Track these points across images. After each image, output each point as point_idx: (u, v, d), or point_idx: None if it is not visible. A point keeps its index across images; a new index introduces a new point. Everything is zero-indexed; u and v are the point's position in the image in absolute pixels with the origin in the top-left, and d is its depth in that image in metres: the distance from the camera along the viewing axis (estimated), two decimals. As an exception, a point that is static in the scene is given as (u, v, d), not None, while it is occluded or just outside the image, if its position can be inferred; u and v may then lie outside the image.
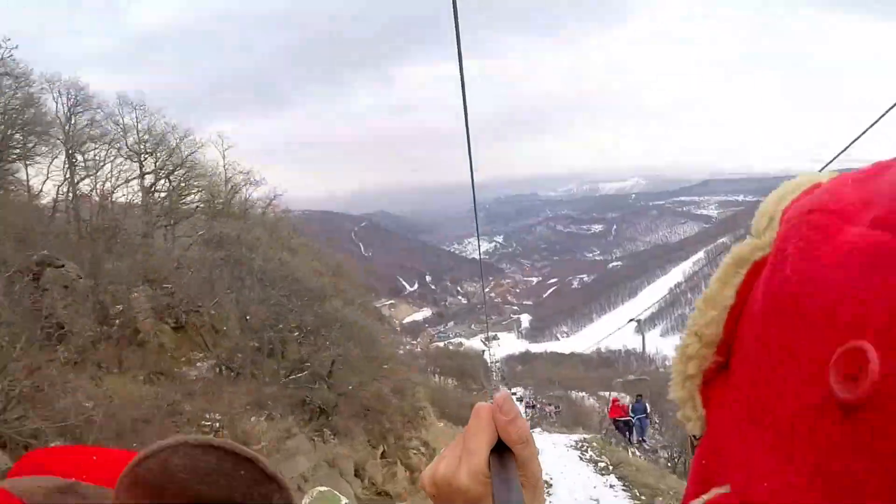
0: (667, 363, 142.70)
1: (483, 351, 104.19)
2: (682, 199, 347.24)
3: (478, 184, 6.98)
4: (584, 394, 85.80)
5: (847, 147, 5.87)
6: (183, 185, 21.92)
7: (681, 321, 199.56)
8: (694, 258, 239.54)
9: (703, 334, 0.47)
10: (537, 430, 37.00)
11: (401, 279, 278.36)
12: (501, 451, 0.65)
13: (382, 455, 15.30)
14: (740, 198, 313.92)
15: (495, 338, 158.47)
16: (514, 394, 58.32)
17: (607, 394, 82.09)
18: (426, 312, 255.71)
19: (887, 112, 5.07)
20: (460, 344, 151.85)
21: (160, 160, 21.00)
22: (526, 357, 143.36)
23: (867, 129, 5.56)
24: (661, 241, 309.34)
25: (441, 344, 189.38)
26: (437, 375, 77.44)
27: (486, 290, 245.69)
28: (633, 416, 20.87)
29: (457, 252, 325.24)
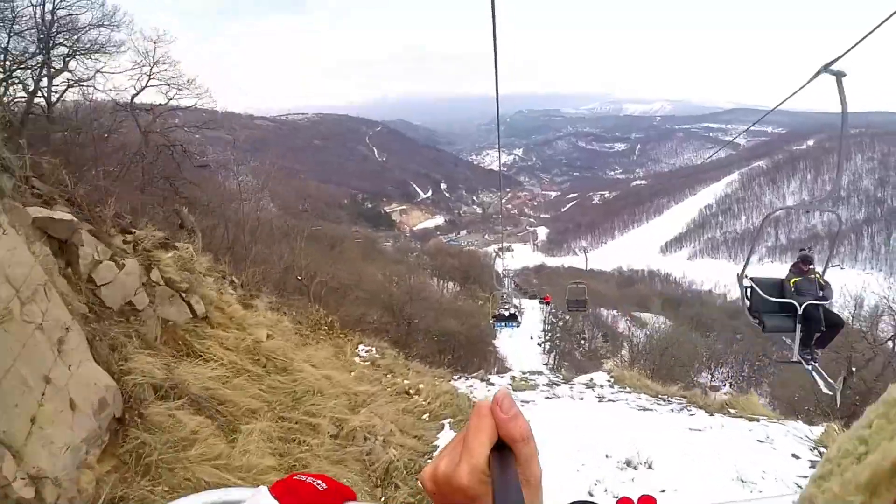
0: (692, 286, 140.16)
1: (494, 256, 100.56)
2: (709, 125, 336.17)
3: (500, 97, 6.82)
4: (614, 311, 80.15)
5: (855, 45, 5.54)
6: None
7: (710, 245, 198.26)
8: (727, 179, 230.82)
9: None
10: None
11: (414, 185, 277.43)
12: (502, 449, 0.65)
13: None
14: (769, 129, 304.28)
15: (509, 248, 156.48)
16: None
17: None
18: (438, 220, 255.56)
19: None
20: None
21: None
22: (541, 270, 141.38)
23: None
24: (687, 164, 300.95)
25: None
26: (436, 279, 74.54)
27: (503, 201, 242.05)
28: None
29: (475, 163, 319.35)
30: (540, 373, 22.21)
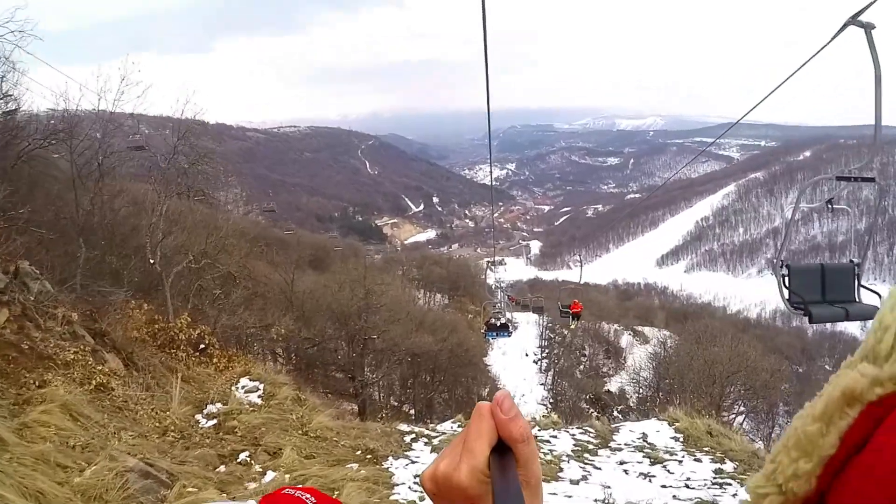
0: (690, 299, 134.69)
1: (486, 268, 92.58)
2: (702, 139, 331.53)
3: (492, 112, 6.59)
4: (616, 325, 71.95)
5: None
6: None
7: (707, 257, 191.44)
8: (724, 191, 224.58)
9: (788, 488, 0.39)
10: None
11: (406, 198, 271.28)
12: (502, 450, 0.64)
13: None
14: (762, 143, 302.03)
15: (502, 262, 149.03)
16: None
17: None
18: (430, 233, 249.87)
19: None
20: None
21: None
22: (535, 283, 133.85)
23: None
24: (680, 177, 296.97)
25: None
26: (422, 290, 66.27)
27: (496, 215, 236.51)
28: None
29: (467, 177, 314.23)
30: (549, 416, 13.90)
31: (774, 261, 7.78)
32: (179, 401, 8.51)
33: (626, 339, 69.42)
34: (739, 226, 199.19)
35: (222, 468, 6.84)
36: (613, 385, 53.79)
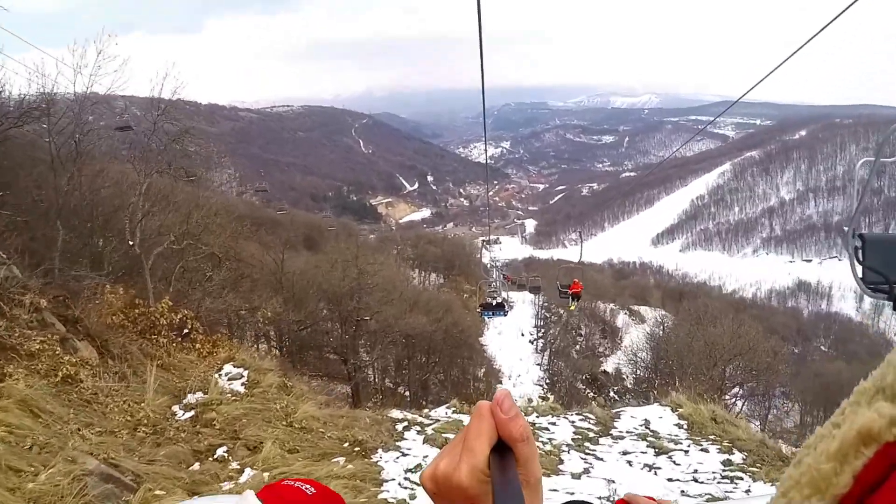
0: (686, 279, 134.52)
1: (481, 247, 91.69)
2: (697, 117, 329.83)
3: (486, 90, 6.68)
4: (612, 305, 71.38)
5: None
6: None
7: (703, 236, 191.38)
8: (719, 170, 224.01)
9: None
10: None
11: (400, 177, 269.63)
12: (502, 449, 0.64)
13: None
14: (758, 122, 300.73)
15: (497, 241, 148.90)
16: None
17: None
18: (425, 212, 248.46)
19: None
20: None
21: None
22: (531, 262, 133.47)
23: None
24: (676, 156, 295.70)
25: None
26: (417, 269, 65.66)
27: (490, 193, 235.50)
28: None
29: (462, 155, 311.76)
30: (546, 401, 13.46)
31: (846, 230, 6.70)
32: (156, 391, 7.98)
33: (622, 319, 69.15)
34: (735, 205, 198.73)
35: (196, 466, 6.33)
36: (610, 365, 53.52)
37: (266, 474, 6.17)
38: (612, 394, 45.44)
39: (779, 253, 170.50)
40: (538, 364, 51.53)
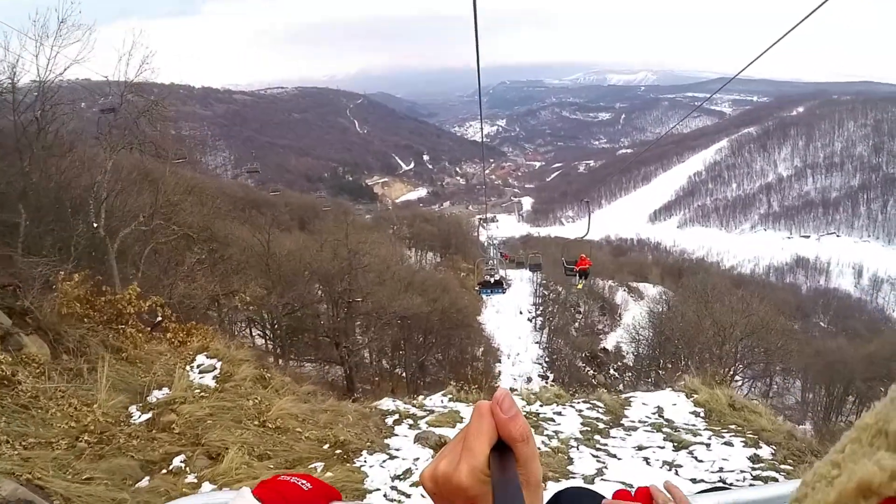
0: (683, 255, 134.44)
1: (478, 225, 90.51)
2: (694, 94, 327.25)
3: (482, 69, 6.57)
4: (610, 282, 70.59)
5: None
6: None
7: (700, 212, 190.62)
8: (716, 146, 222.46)
9: None
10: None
11: (396, 157, 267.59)
12: (502, 449, 0.64)
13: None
14: (754, 98, 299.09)
15: (494, 219, 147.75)
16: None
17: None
18: (421, 192, 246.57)
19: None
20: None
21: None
22: (528, 240, 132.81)
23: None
24: (673, 132, 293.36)
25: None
26: (413, 248, 64.88)
27: (487, 172, 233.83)
28: None
29: (458, 134, 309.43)
30: (549, 388, 12.51)
31: None
32: (113, 389, 7.01)
33: (620, 296, 68.58)
34: (732, 181, 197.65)
35: (145, 481, 5.35)
36: (610, 342, 52.96)
37: (226, 489, 5.25)
38: (612, 371, 44.85)
39: (777, 229, 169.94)
40: (537, 342, 50.91)
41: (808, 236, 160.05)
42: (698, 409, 9.73)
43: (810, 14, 5.23)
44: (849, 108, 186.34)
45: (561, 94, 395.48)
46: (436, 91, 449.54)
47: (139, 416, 6.73)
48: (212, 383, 8.13)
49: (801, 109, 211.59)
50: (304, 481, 0.93)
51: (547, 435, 8.29)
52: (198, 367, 8.95)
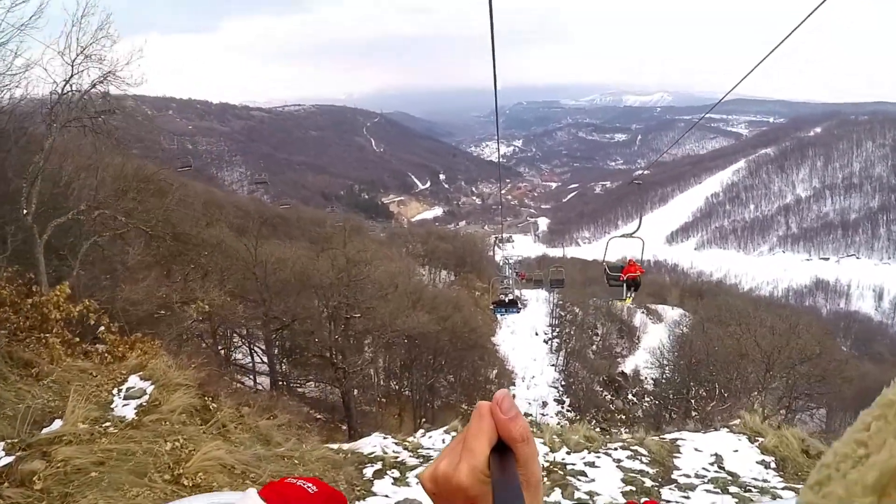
0: (701, 277, 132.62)
1: (494, 244, 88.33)
2: (710, 115, 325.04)
3: (499, 89, 6.17)
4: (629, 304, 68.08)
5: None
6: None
7: (718, 234, 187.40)
8: (733, 167, 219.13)
9: None
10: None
11: (412, 176, 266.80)
12: (502, 449, 0.64)
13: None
14: (771, 119, 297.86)
15: (510, 239, 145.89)
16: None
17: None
18: (437, 211, 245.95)
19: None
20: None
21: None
22: (543, 260, 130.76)
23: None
24: (690, 153, 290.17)
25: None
26: (427, 266, 62.76)
27: (503, 192, 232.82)
28: None
29: (474, 154, 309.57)
30: (578, 428, 10.30)
31: None
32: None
33: (639, 318, 66.02)
34: (750, 202, 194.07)
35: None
36: (628, 366, 50.57)
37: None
38: (630, 396, 42.46)
39: (795, 251, 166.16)
40: (553, 365, 48.64)
41: (828, 258, 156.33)
42: (767, 458, 7.50)
43: (801, 24, 5.06)
44: (866, 128, 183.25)
45: (577, 115, 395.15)
46: (452, 110, 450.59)
47: (-5, 464, 4.66)
48: (131, 414, 6.08)
49: (818, 130, 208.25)
50: (310, 484, 0.93)
51: (579, 500, 6.06)
52: (127, 390, 6.91)
